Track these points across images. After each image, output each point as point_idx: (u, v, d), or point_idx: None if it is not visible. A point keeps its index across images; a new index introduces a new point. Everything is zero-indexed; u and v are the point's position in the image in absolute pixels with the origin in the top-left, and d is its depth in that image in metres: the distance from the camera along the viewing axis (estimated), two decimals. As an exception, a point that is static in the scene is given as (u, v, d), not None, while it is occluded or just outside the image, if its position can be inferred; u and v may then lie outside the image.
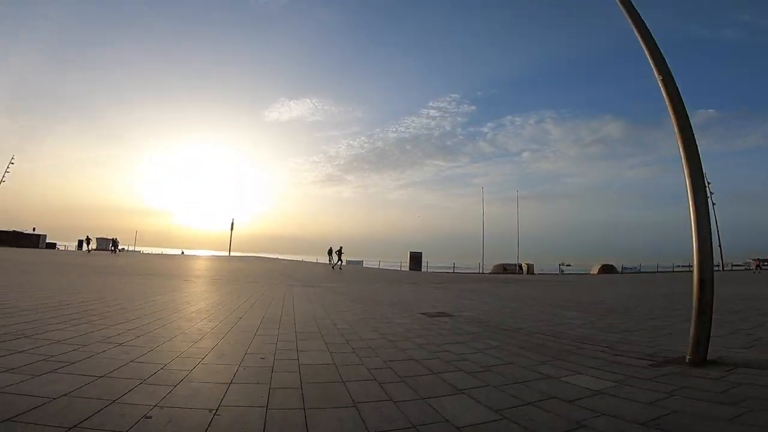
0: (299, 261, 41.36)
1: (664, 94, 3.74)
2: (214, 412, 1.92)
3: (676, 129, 3.58)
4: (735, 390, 2.35)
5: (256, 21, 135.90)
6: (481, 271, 36.04)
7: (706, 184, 42.87)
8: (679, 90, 3.80)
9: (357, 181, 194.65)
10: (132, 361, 2.77)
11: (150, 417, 1.82)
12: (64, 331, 3.58)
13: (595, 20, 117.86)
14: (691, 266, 3.43)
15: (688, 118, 3.61)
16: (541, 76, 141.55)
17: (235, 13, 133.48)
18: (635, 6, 4.16)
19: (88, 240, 39.01)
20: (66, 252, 38.74)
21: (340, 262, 26.06)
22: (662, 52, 4.02)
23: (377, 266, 37.09)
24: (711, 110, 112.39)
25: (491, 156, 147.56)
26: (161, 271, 15.76)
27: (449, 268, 37.81)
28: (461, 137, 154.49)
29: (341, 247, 26.20)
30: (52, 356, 2.72)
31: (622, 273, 38.22)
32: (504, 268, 36.87)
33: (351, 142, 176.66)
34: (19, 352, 2.79)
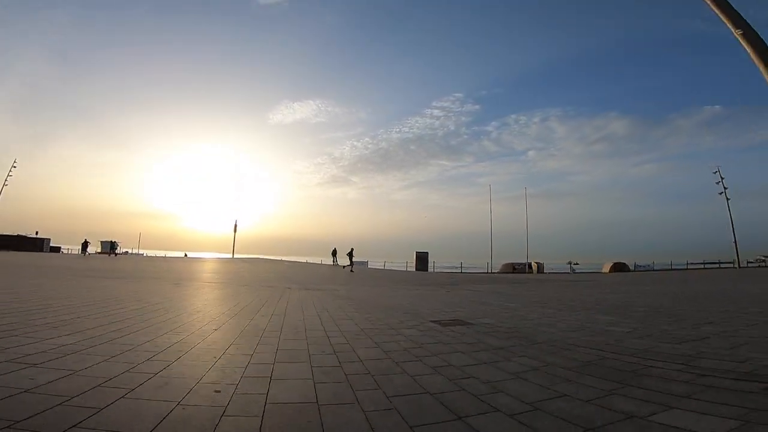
0: (303, 263, 40.58)
1: (747, 46, 3.30)
2: None
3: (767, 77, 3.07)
4: None
5: (258, 24, 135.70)
6: (489, 271, 35.03)
7: (721, 179, 41.94)
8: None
9: (362, 182, 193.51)
10: (25, 391, 1.93)
11: None
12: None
13: (598, 17, 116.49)
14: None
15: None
16: (545, 74, 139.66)
17: (238, 15, 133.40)
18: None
19: (86, 243, 38.66)
20: (63, 255, 38.27)
21: (351, 263, 25.04)
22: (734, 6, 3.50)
23: (382, 267, 36.20)
24: (717, 106, 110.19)
25: (496, 155, 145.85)
26: (155, 274, 15.00)
27: (456, 268, 36.86)
28: (465, 137, 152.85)
29: (352, 249, 25.23)
30: None
31: (634, 271, 37.04)
32: (513, 268, 35.81)
33: (355, 143, 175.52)
34: None
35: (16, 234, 50.28)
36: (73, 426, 1.63)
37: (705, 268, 40.40)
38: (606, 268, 37.30)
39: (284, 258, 48.86)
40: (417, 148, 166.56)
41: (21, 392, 1.99)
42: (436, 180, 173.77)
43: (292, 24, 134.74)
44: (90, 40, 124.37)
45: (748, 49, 3.11)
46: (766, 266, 37.36)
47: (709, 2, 3.49)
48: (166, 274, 14.82)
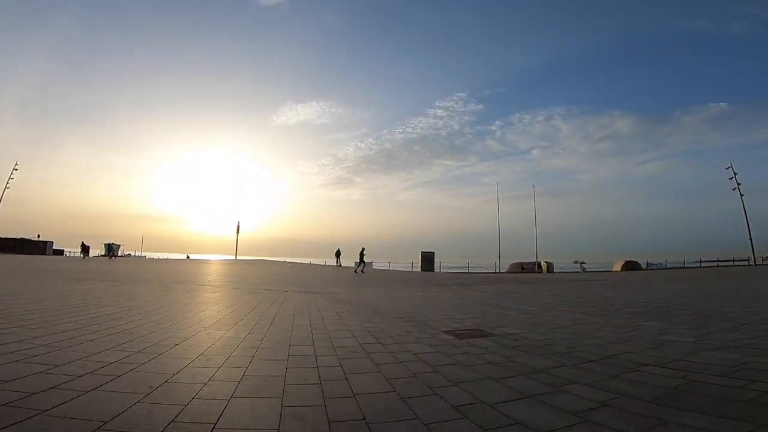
0: (307, 264, 39.84)
1: None
2: None
3: None
4: None
5: (259, 25, 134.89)
6: (497, 271, 34.04)
7: (734, 175, 40.59)
8: None
9: (366, 183, 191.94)
10: None
11: None
12: None
13: (601, 15, 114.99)
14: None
15: None
16: (549, 73, 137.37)
17: (239, 16, 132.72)
18: None
19: (83, 246, 38.30)
20: (64, 258, 37.75)
21: (362, 264, 24.12)
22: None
23: (387, 267, 35.35)
24: (723, 104, 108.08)
25: (500, 154, 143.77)
26: (148, 276, 14.28)
27: (463, 268, 35.89)
28: (469, 136, 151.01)
29: (363, 249, 24.31)
30: None
31: (647, 269, 35.90)
32: (522, 267, 34.76)
33: (359, 144, 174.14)
34: None
35: (19, 237, 50.23)
36: None
37: (719, 266, 39.21)
38: (617, 267, 36.20)
39: (288, 259, 48.17)
40: (421, 148, 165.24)
41: None
42: (441, 180, 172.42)
43: (293, 25, 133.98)
44: (92, 42, 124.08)
45: None
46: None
47: None
48: (159, 277, 14.10)
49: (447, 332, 4.12)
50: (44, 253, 47.36)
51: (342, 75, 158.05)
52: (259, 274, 18.81)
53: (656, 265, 40.50)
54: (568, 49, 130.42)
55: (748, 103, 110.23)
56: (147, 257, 54.00)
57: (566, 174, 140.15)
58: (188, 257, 53.72)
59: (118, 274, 15.19)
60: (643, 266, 37.56)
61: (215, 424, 1.72)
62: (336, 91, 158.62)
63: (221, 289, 9.88)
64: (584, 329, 4.33)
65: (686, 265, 40.57)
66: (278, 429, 1.70)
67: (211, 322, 4.57)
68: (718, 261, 42.29)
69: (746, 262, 38.73)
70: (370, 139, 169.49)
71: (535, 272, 32.44)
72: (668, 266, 40.25)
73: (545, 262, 35.82)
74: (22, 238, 50.26)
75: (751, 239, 39.66)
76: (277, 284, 12.14)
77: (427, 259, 34.23)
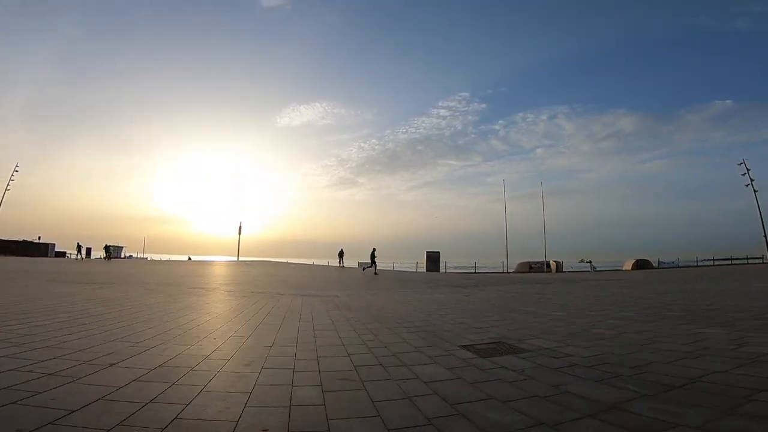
0: (310, 264, 39.09)
1: None
2: None
3: None
4: None
5: (261, 27, 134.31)
6: (505, 271, 33.09)
7: (747, 170, 39.35)
8: None
9: (370, 184, 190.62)
10: None
11: None
12: None
13: (602, 15, 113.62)
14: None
15: None
16: (552, 72, 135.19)
17: (242, 17, 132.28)
18: None
19: (79, 248, 37.84)
20: (63, 260, 37.23)
21: (374, 265, 22.60)
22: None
23: (391, 268, 34.48)
24: (728, 101, 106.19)
25: (504, 154, 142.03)
26: (141, 278, 13.55)
27: (469, 268, 34.98)
28: (473, 136, 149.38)
29: (374, 249, 22.99)
30: None
31: (659, 268, 34.82)
32: (530, 267, 33.79)
33: (362, 144, 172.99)
34: None
35: (21, 239, 50.01)
36: None
37: (733, 264, 38.09)
38: (627, 266, 35.18)
39: (291, 260, 47.48)
40: (424, 148, 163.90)
41: None
42: (445, 180, 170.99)
43: (294, 25, 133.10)
44: (95, 44, 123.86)
45: None
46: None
47: None
48: (150, 279, 13.36)
49: (465, 347, 3.29)
50: (46, 255, 46.97)
51: (344, 76, 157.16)
52: (258, 275, 18.04)
53: (668, 263, 39.37)
54: (570, 49, 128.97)
55: (753, 100, 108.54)
56: (148, 258, 53.52)
57: (570, 173, 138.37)
58: (189, 258, 53.22)
59: (109, 275, 14.48)
60: (655, 264, 36.48)
61: None
62: (338, 91, 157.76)
63: (212, 292, 9.11)
64: (635, 339, 3.49)
65: (698, 264, 39.44)
66: None
67: (177, 334, 3.77)
68: (731, 259, 41.13)
69: (760, 260, 37.60)
70: (373, 140, 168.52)
71: (544, 272, 31.47)
72: (680, 264, 39.12)
73: (554, 261, 34.82)
74: (23, 241, 50.01)
75: (765, 237, 38.42)
76: (273, 286, 11.36)
77: (433, 259, 33.36)
